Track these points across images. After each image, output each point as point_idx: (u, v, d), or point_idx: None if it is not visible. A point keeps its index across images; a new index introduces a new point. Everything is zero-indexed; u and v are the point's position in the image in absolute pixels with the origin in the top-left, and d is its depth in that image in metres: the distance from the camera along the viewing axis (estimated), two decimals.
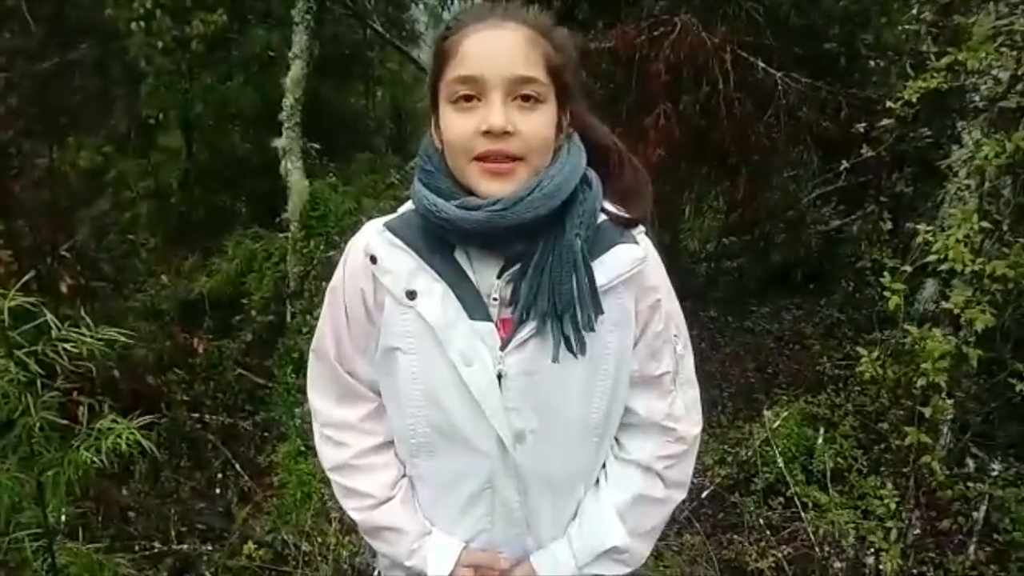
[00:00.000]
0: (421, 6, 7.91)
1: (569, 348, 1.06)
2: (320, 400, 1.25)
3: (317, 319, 1.26)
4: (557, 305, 1.04)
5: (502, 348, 1.08)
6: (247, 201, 6.30)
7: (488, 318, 1.09)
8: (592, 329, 1.06)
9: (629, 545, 1.20)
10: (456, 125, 1.04)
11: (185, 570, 3.11)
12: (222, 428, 4.19)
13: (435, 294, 1.09)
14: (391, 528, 1.21)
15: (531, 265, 1.06)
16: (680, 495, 1.25)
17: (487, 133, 1.01)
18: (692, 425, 1.23)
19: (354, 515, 1.24)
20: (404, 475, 1.23)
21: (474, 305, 1.09)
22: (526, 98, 1.03)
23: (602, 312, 1.07)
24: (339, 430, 1.23)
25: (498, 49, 1.02)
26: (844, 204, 5.24)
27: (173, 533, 3.27)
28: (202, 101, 5.95)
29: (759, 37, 4.25)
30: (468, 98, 1.03)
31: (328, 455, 1.24)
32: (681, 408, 1.21)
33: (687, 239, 5.98)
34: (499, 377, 1.09)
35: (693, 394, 1.25)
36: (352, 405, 1.22)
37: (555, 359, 1.06)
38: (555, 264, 1.05)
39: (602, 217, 1.12)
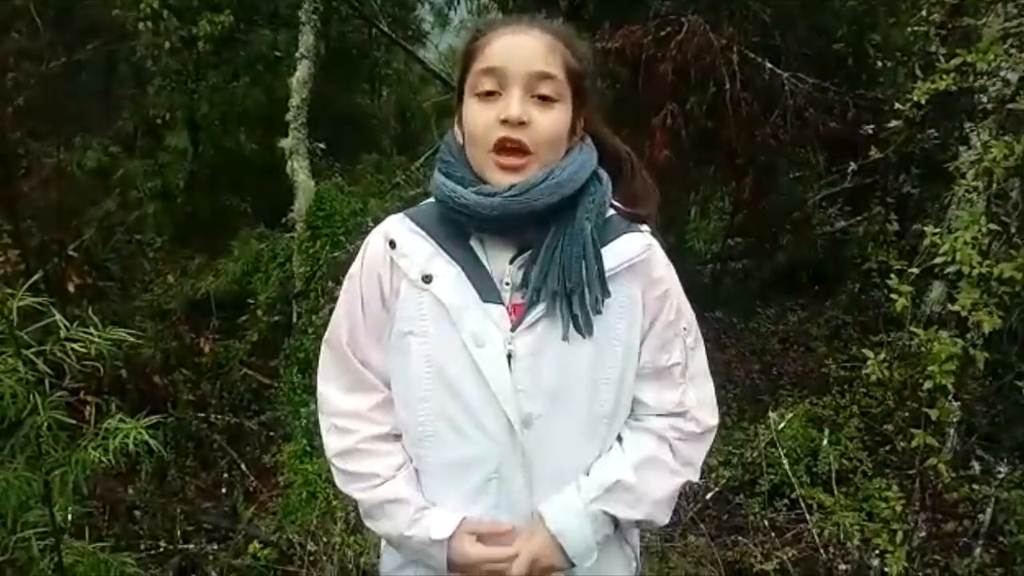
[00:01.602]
0: (427, 6, 7.91)
1: (577, 328, 1.12)
2: (330, 390, 1.26)
3: (323, 319, 1.28)
4: (567, 285, 1.10)
5: (512, 330, 1.13)
6: (253, 201, 6.31)
7: (500, 301, 1.14)
8: (599, 311, 1.12)
9: (635, 485, 1.18)
10: (478, 115, 1.13)
11: (191, 569, 3.12)
12: (228, 428, 4.20)
13: (450, 276, 1.15)
14: (394, 500, 1.20)
15: (542, 249, 1.13)
16: (690, 474, 1.24)
17: (505, 122, 1.10)
18: (708, 415, 1.25)
19: (358, 495, 1.23)
20: (410, 463, 1.23)
21: (487, 289, 1.14)
22: (543, 98, 1.12)
23: (609, 295, 1.13)
24: (346, 418, 1.24)
25: (521, 46, 1.12)
26: (850, 205, 5.24)
27: (179, 532, 3.28)
28: (208, 101, 5.97)
29: (766, 38, 4.25)
30: (491, 93, 1.12)
31: (333, 443, 1.25)
32: (693, 399, 1.23)
33: (693, 240, 5.97)
34: (509, 358, 1.12)
35: (708, 389, 1.27)
36: (362, 395, 1.23)
37: (564, 337, 1.11)
38: (565, 247, 1.12)
39: (611, 212, 1.19)
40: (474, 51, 1.15)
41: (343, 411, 1.24)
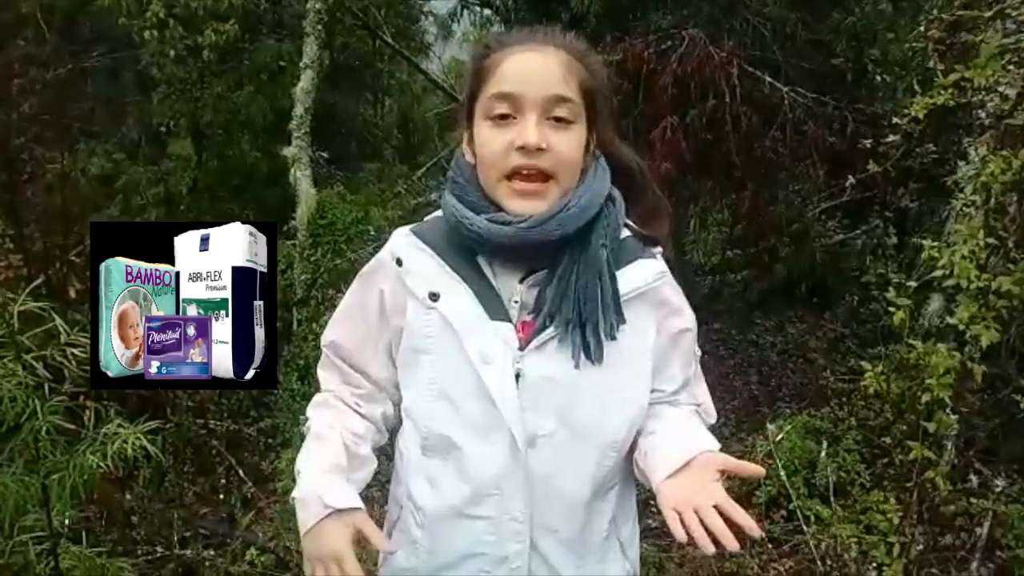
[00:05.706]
0: (431, 18, 7.98)
1: (588, 355, 1.09)
2: (325, 375, 1.30)
3: (323, 327, 1.30)
4: (582, 312, 1.08)
5: (521, 349, 1.11)
6: (255, 209, 6.32)
7: (508, 319, 1.12)
8: (613, 337, 1.10)
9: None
10: (491, 140, 1.09)
11: (187, 575, 3.12)
12: (226, 434, 4.20)
13: (457, 295, 1.13)
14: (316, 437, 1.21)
15: (557, 274, 1.10)
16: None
17: (521, 148, 1.06)
18: (712, 410, 1.29)
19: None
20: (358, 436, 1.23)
21: (495, 307, 1.12)
22: (558, 119, 1.08)
23: (624, 321, 1.11)
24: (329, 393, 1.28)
25: (536, 69, 1.08)
26: (849, 218, 5.25)
27: (176, 538, 3.27)
28: (213, 109, 5.99)
29: (766, 52, 4.29)
30: (504, 116, 1.08)
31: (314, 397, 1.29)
32: (703, 395, 1.27)
33: (692, 252, 5.99)
34: (517, 377, 1.10)
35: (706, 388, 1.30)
36: (350, 387, 1.27)
37: (576, 365, 1.09)
38: (581, 273, 1.09)
39: (625, 233, 1.17)
40: (485, 71, 1.10)
41: (329, 390, 1.29)
